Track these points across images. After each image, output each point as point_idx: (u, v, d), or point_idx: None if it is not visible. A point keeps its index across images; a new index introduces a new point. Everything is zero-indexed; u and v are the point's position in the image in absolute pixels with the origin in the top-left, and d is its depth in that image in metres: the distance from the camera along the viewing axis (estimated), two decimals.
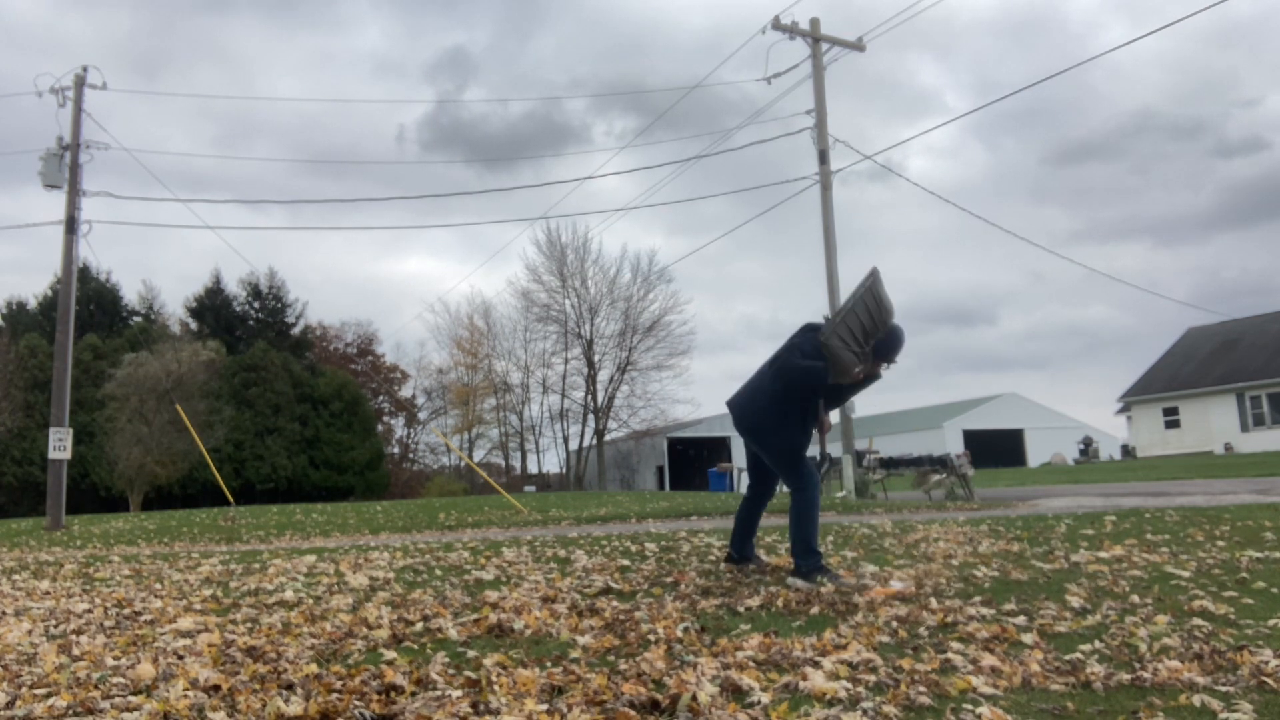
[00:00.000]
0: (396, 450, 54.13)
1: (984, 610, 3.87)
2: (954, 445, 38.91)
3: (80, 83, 18.43)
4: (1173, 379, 38.95)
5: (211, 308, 46.03)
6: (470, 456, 47.00)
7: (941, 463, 16.89)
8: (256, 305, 47.56)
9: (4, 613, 5.00)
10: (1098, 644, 3.19)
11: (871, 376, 5.19)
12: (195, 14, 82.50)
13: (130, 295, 45.64)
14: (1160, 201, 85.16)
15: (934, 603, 4.08)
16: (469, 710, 2.59)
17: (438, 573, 6.08)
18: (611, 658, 3.27)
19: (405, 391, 55.11)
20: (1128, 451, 41.28)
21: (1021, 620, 3.64)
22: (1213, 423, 36.51)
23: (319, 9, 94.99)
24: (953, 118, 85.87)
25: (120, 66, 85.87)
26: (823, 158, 18.75)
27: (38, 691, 2.99)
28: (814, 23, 19.22)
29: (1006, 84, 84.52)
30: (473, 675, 2.99)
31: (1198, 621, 3.52)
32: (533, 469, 50.01)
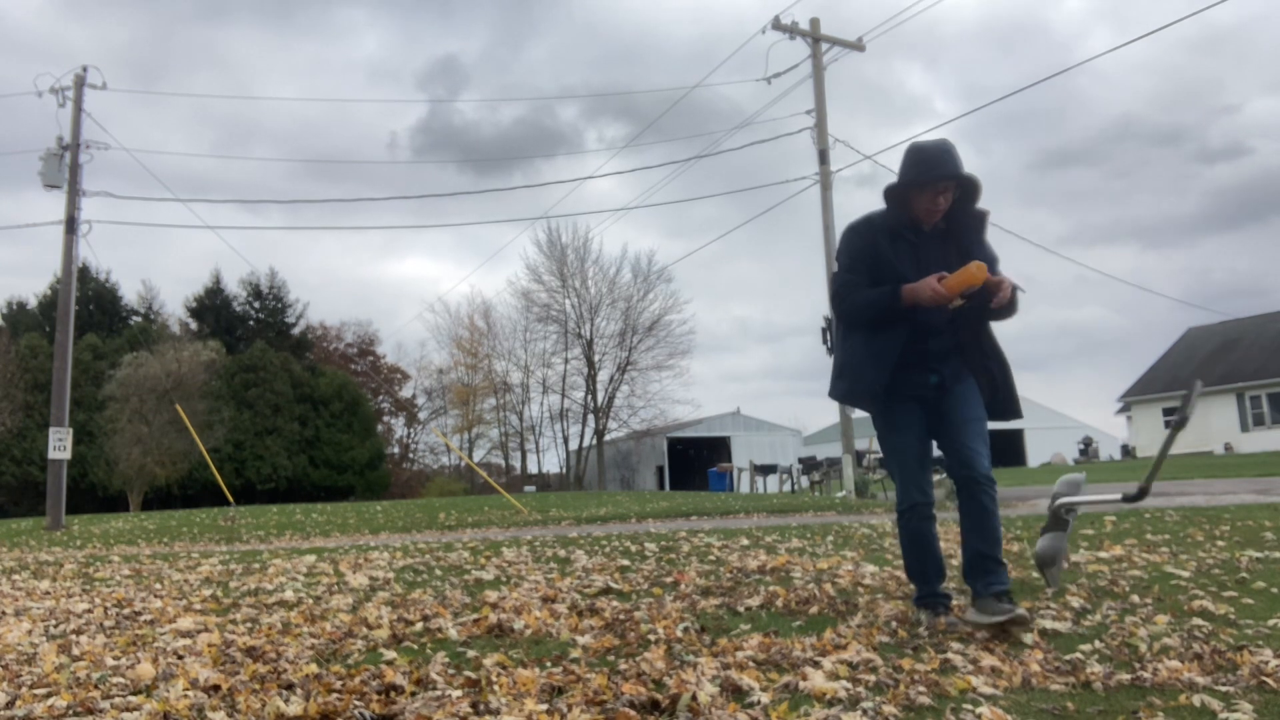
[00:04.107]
0: (396, 450, 54.13)
1: None
2: None
3: (80, 82, 18.43)
4: (1173, 379, 38.94)
5: (211, 308, 46.03)
6: (470, 456, 47.00)
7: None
8: (256, 305, 47.58)
9: (4, 613, 5.00)
10: (1098, 644, 3.19)
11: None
12: (193, 23, 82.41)
13: (130, 295, 45.72)
14: (1147, 206, 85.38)
15: None
16: (469, 710, 2.59)
17: (438, 573, 6.08)
18: (611, 658, 3.27)
19: (405, 391, 55.16)
20: (1128, 451, 41.28)
21: None
22: (1213, 423, 36.48)
23: (315, 18, 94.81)
24: (942, 123, 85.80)
25: (120, 74, 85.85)
26: (823, 157, 18.76)
27: (38, 691, 2.99)
28: (814, 23, 19.24)
29: (994, 89, 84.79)
30: (473, 675, 2.99)
31: (1198, 621, 3.51)
32: (533, 469, 50.06)
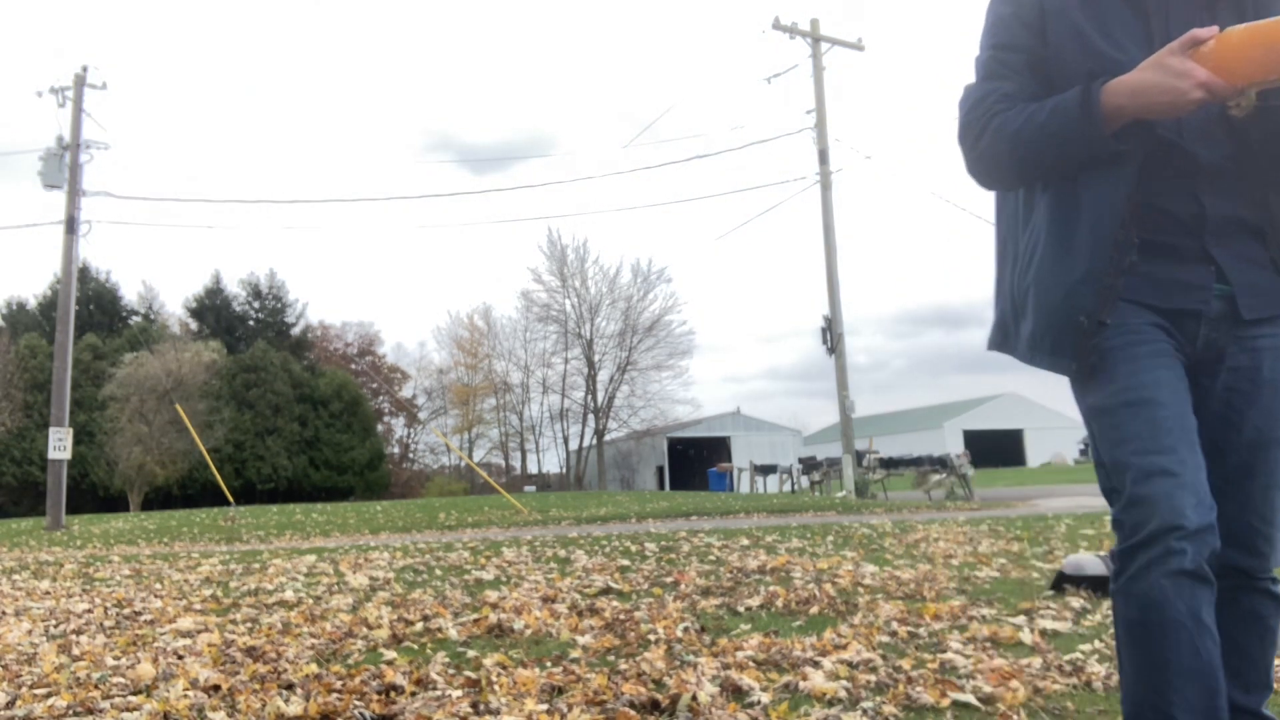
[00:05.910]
0: (396, 450, 54.13)
1: (984, 610, 3.88)
2: (954, 445, 38.93)
3: (80, 82, 18.42)
4: None
5: (211, 308, 46.05)
6: (470, 456, 47.01)
7: (941, 463, 16.92)
8: (256, 305, 47.60)
9: (4, 613, 5.00)
10: (1098, 644, 3.19)
11: None
12: (193, 23, 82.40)
13: (130, 295, 45.72)
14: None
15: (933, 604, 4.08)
16: (469, 710, 2.59)
17: (438, 573, 6.08)
18: (611, 658, 3.27)
19: (405, 391, 55.11)
20: None
21: (1021, 620, 3.64)
22: None
23: (316, 18, 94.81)
24: (941, 122, 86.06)
25: (120, 75, 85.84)
26: (823, 157, 18.78)
27: (38, 691, 2.99)
28: (814, 23, 19.28)
29: None
30: (473, 675, 2.99)
31: None
32: (533, 469, 50.10)
